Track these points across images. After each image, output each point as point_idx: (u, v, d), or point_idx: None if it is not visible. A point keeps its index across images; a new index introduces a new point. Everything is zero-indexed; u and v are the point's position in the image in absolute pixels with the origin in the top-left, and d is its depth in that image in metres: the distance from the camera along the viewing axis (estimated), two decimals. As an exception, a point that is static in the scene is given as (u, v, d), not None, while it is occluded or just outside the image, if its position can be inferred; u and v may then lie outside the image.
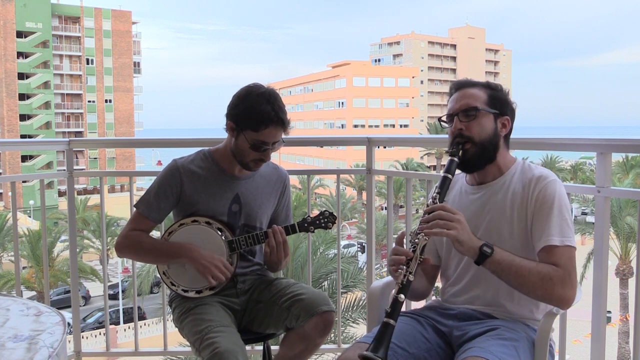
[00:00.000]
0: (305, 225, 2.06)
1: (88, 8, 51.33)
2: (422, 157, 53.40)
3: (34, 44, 47.77)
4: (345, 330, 10.30)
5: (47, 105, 48.82)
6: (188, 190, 2.03)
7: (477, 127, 1.71)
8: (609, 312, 17.65)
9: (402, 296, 1.54)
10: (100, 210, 3.05)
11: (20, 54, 47.39)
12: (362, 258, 21.67)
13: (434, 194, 1.68)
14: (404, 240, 1.71)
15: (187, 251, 1.97)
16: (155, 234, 2.26)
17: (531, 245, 1.67)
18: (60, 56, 50.90)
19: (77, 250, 3.44)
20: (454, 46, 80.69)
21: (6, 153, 42.46)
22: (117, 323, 22.15)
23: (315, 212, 2.12)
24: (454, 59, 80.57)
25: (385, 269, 2.99)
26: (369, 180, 2.85)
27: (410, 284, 1.57)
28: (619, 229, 18.97)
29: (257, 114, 1.92)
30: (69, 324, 1.79)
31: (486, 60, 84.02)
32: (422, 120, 66.70)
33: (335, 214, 2.11)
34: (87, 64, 51.69)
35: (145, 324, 21.17)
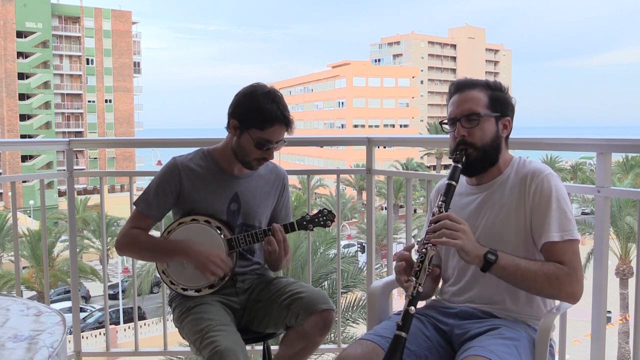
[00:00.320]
0: (304, 223, 2.07)
1: (88, 8, 51.32)
2: (422, 157, 53.40)
3: (34, 44, 47.78)
4: (345, 330, 10.31)
5: (47, 105, 48.82)
6: (187, 188, 2.03)
7: (480, 133, 1.71)
8: (609, 312, 17.66)
9: (413, 308, 1.55)
10: (100, 210, 3.05)
11: (20, 54, 47.39)
12: (362, 258, 21.63)
13: (440, 202, 1.67)
14: (412, 251, 1.72)
15: (184, 248, 1.98)
16: (156, 233, 2.26)
17: (532, 241, 1.67)
18: (60, 56, 50.90)
19: (77, 250, 3.44)
20: (454, 46, 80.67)
21: (6, 153, 42.49)
22: (117, 323, 22.15)
23: (315, 211, 2.12)
24: (454, 59, 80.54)
25: (386, 269, 3.00)
26: (369, 180, 2.85)
27: (420, 294, 1.59)
28: (618, 229, 18.99)
29: (263, 112, 1.93)
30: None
31: (486, 60, 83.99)
32: (422, 120, 66.70)
33: (333, 212, 2.12)
34: (87, 64, 51.69)
35: (145, 324, 21.17)
